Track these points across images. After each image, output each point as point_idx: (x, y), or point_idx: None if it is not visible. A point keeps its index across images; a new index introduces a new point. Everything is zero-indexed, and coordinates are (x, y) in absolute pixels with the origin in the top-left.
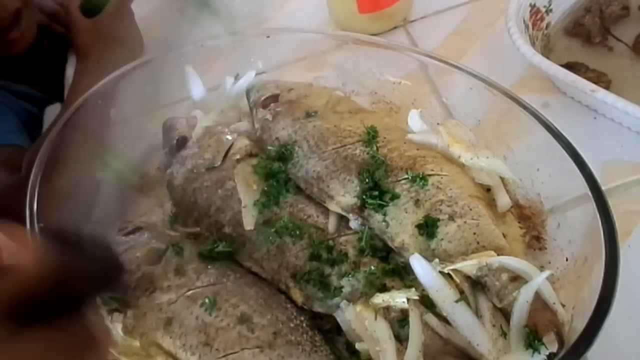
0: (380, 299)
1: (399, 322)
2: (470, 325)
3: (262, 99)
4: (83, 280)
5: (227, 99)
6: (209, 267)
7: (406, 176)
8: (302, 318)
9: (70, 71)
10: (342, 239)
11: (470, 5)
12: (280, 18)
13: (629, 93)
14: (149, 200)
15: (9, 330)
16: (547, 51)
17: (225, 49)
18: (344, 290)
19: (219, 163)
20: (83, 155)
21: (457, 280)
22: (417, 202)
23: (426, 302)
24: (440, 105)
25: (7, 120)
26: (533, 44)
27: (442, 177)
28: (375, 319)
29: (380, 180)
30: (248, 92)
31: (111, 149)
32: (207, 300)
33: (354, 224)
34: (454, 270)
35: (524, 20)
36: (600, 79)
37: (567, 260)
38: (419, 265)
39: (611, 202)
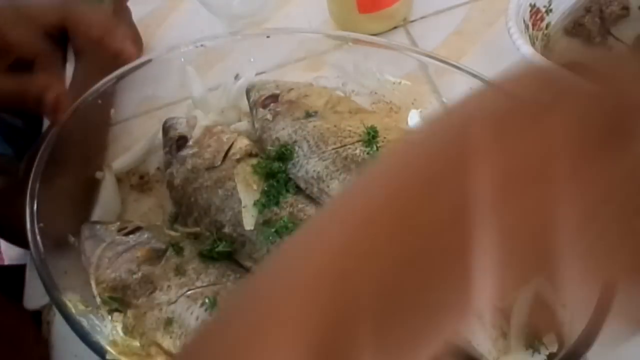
0: None
1: None
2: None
3: (262, 99)
4: None
5: (227, 99)
6: (209, 267)
7: None
8: None
9: (70, 71)
10: None
11: (470, 5)
12: (280, 18)
13: None
14: (149, 200)
15: None
16: (547, 51)
17: (225, 49)
18: None
19: (219, 163)
20: (83, 155)
21: None
22: None
23: None
24: (441, 105)
25: None
26: (533, 44)
27: None
28: None
29: None
30: (248, 92)
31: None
32: (207, 300)
33: None
34: None
35: (524, 20)
36: None
37: None
38: None
39: None
